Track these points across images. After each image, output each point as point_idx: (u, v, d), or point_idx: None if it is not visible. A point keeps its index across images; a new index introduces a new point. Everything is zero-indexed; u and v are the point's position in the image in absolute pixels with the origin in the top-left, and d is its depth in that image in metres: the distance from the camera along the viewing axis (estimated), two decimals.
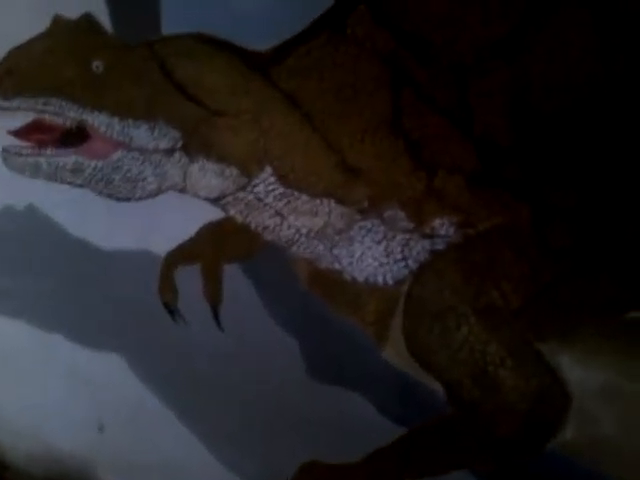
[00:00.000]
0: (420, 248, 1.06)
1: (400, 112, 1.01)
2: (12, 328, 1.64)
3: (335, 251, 1.13)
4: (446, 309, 1.06)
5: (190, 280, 1.28)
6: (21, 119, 1.26)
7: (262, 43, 1.07)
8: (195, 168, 1.17)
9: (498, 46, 0.94)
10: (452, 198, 1.01)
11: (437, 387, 1.11)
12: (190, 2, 1.11)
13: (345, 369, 1.21)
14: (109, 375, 1.51)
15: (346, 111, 1.03)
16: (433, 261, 1.06)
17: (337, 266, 1.13)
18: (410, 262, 1.08)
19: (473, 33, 0.94)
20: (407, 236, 1.06)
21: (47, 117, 1.22)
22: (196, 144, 1.15)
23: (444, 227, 1.03)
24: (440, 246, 1.05)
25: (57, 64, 1.20)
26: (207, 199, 1.19)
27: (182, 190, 1.20)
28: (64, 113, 1.20)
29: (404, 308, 1.10)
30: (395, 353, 1.15)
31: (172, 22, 1.13)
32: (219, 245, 1.24)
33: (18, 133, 1.27)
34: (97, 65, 1.16)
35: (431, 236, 1.05)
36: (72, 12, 1.19)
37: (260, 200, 1.14)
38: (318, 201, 1.10)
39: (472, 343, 1.05)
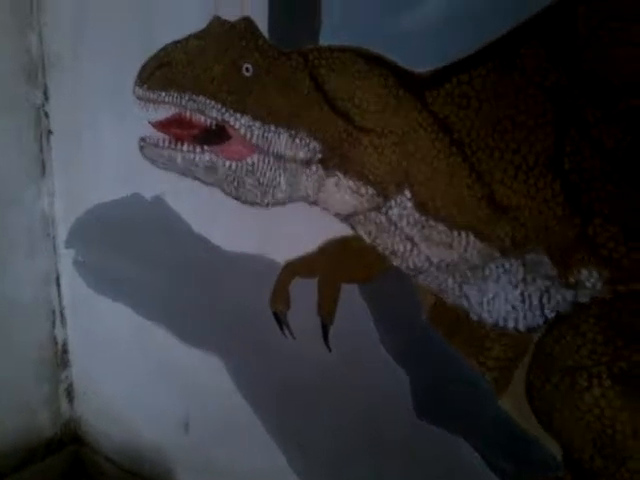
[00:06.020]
0: (560, 298, 1.00)
1: (562, 152, 0.95)
2: (116, 312, 1.67)
3: (465, 287, 1.08)
4: (579, 367, 1.00)
5: (303, 293, 1.26)
6: (163, 112, 1.29)
7: (421, 66, 1.04)
8: (331, 182, 1.15)
9: None
10: (606, 250, 0.95)
11: (552, 447, 1.04)
12: (352, 16, 1.10)
13: (455, 412, 1.15)
14: (203, 376, 1.50)
15: (502, 144, 0.99)
16: (573, 314, 0.99)
17: (465, 304, 1.09)
18: (547, 311, 1.01)
19: None
20: (548, 283, 1.00)
21: (189, 114, 1.25)
22: (336, 158, 1.14)
23: (591, 280, 0.96)
24: (584, 299, 0.98)
25: (208, 63, 1.22)
26: (337, 215, 1.18)
27: (312, 203, 1.20)
28: (206, 112, 1.22)
29: (532, 358, 1.04)
30: (513, 405, 1.08)
31: (331, 34, 1.13)
32: (340, 263, 1.21)
33: (158, 125, 1.30)
34: (247, 68, 1.18)
35: (575, 287, 0.98)
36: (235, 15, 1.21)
37: (393, 223, 1.12)
38: (456, 233, 1.06)
39: (602, 407, 0.98)
